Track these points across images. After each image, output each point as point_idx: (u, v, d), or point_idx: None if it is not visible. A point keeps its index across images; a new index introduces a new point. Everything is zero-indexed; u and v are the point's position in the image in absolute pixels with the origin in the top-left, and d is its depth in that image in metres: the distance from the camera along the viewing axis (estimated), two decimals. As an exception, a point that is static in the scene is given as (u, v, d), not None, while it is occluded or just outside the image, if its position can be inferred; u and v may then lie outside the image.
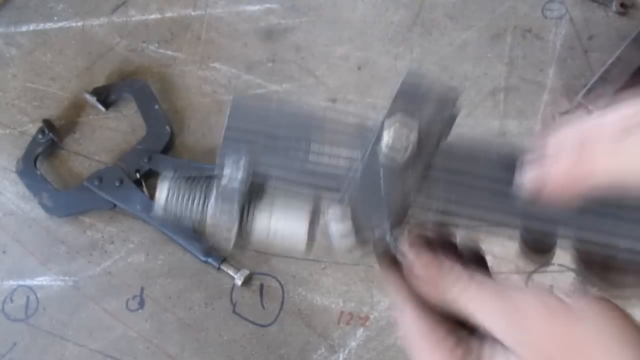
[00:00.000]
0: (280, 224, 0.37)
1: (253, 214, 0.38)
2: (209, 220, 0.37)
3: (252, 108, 0.38)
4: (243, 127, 0.38)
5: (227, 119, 0.38)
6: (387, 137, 0.35)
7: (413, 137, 0.35)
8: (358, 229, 0.35)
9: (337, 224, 0.35)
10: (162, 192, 0.39)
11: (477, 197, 0.36)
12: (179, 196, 0.38)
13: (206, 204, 0.38)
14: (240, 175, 0.37)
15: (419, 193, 0.36)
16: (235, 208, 0.37)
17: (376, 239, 0.36)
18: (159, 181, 0.39)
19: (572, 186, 0.32)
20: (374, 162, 0.35)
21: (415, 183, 0.35)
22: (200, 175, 0.39)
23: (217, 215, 0.37)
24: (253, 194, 0.38)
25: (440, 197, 0.36)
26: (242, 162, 0.37)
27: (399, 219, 0.36)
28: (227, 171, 0.37)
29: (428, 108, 0.36)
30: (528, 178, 0.34)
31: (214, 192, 0.37)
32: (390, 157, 0.35)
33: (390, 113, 0.36)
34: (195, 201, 0.38)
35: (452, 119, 0.37)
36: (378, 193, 0.35)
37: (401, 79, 0.37)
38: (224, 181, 0.37)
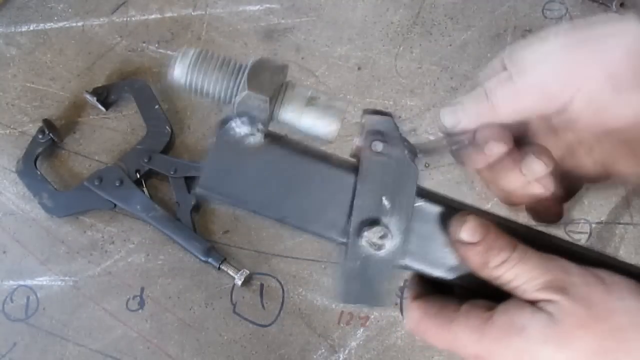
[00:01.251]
0: (319, 107, 0.37)
1: (289, 91, 0.38)
2: (244, 85, 0.36)
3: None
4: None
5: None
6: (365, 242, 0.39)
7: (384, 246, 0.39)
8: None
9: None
10: (188, 53, 0.37)
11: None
12: (208, 61, 0.38)
13: (240, 74, 0.37)
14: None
15: None
16: (278, 80, 0.37)
17: None
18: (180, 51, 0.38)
19: (482, 123, 0.41)
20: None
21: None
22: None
23: (255, 84, 0.36)
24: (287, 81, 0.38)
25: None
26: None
27: None
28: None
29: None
30: (445, 116, 0.42)
31: (256, 61, 0.37)
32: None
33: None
34: (230, 68, 0.37)
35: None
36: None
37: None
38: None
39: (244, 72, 0.37)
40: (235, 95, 0.37)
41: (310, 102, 0.37)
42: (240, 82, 0.37)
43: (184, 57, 0.37)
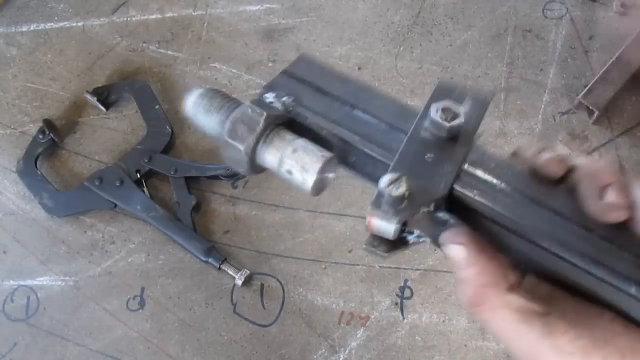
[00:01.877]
0: (294, 158, 0.37)
1: (270, 142, 0.37)
2: (225, 136, 0.37)
3: (315, 66, 0.40)
4: (300, 75, 0.39)
5: (290, 64, 0.40)
6: (434, 113, 0.36)
7: (457, 118, 0.36)
8: (412, 197, 0.34)
9: (392, 188, 0.34)
10: (194, 94, 0.39)
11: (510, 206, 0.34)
12: (207, 104, 0.39)
13: (227, 119, 0.38)
14: (276, 104, 0.37)
15: (457, 182, 0.35)
16: (255, 132, 0.37)
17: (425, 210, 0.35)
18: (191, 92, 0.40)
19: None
20: (417, 139, 0.36)
21: (454, 168, 0.35)
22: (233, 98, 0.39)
23: (233, 134, 0.37)
24: (276, 127, 0.37)
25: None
26: (284, 97, 0.38)
27: (444, 198, 0.35)
28: (267, 96, 0.38)
29: (467, 103, 0.37)
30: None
31: (239, 110, 0.37)
32: (435, 131, 0.36)
33: (435, 99, 0.36)
34: (221, 113, 0.39)
35: (481, 119, 0.38)
36: (424, 167, 0.36)
37: (437, 81, 0.38)
38: (257, 104, 0.37)
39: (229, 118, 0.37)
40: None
41: (287, 160, 0.37)
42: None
43: (190, 98, 0.39)
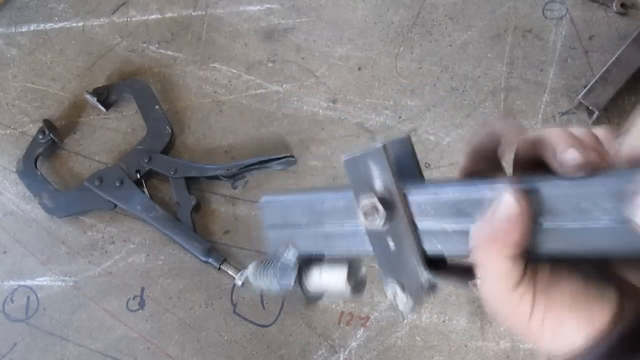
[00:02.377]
0: (329, 283, 0.44)
1: (307, 280, 0.45)
2: (278, 290, 0.45)
3: (276, 206, 0.45)
4: (274, 223, 0.45)
5: (262, 221, 0.45)
6: (361, 218, 0.39)
7: (374, 214, 0.38)
8: (412, 293, 0.39)
9: (403, 306, 0.39)
10: (247, 271, 0.48)
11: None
12: (259, 276, 0.46)
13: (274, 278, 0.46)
14: (291, 255, 0.45)
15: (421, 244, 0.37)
16: (293, 279, 0.45)
17: (425, 286, 0.38)
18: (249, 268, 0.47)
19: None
20: (372, 235, 0.40)
21: (412, 239, 0.37)
22: (271, 259, 0.46)
23: (281, 286, 0.45)
24: (305, 263, 0.45)
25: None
26: (289, 247, 0.45)
27: (425, 262, 0.38)
28: (282, 254, 0.45)
29: (374, 173, 0.38)
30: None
31: (275, 271, 0.45)
32: (373, 229, 0.39)
33: (356, 195, 0.39)
34: (272, 277, 0.46)
35: (395, 165, 0.39)
36: (397, 259, 0.39)
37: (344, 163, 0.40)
38: (282, 260, 0.45)
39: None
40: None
41: (325, 286, 0.44)
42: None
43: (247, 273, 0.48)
